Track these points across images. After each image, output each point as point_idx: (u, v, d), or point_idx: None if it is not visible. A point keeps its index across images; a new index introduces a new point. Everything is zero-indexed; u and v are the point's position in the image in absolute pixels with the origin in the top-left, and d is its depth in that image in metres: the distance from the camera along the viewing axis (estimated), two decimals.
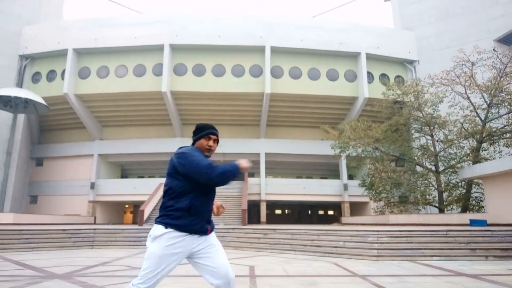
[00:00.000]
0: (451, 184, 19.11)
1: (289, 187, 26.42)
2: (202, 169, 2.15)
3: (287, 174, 32.41)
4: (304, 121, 27.92)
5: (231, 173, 2.14)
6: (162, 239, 2.16)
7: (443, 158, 19.26)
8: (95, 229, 12.97)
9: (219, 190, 25.02)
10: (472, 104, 18.12)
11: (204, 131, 2.41)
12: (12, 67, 26.43)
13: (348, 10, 78.19)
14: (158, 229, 2.20)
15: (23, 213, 23.89)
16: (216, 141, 2.45)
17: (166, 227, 2.18)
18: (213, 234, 2.37)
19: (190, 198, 2.21)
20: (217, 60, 25.65)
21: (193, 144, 2.46)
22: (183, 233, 2.18)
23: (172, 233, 2.17)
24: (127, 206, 33.92)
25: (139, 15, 30.80)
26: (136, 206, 32.51)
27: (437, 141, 19.48)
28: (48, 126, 28.73)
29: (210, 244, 2.28)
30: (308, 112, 27.11)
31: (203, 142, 2.40)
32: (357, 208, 27.82)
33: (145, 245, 9.48)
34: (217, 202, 2.47)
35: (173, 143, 27.08)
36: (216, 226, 15.00)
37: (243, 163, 2.20)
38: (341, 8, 67.87)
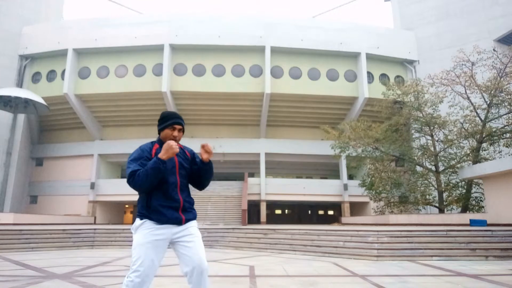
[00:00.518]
0: (451, 184, 19.09)
1: (289, 187, 26.42)
2: (127, 178, 2.26)
3: (287, 174, 32.40)
4: (304, 121, 27.92)
5: (150, 173, 2.19)
6: (142, 228, 2.28)
7: (443, 158, 19.24)
8: (95, 229, 12.97)
9: (218, 190, 25.10)
10: (472, 104, 18.10)
11: (168, 121, 2.39)
12: (12, 67, 26.43)
13: (348, 10, 78.22)
14: (137, 221, 2.34)
15: (23, 213, 23.87)
16: (182, 130, 2.44)
17: (141, 219, 2.31)
18: (193, 223, 2.41)
19: (143, 198, 2.33)
20: (217, 60, 25.65)
21: (158, 134, 2.47)
22: (157, 223, 2.28)
23: (149, 222, 2.28)
24: (127, 206, 33.91)
25: (139, 15, 30.81)
26: (136, 206, 32.49)
27: (437, 141, 19.47)
28: (48, 126, 28.73)
29: (189, 233, 2.33)
30: (308, 112, 27.10)
31: (167, 132, 2.40)
32: (357, 208, 27.82)
33: None
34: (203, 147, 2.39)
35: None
36: (216, 226, 14.99)
37: (162, 153, 2.22)
38: (341, 8, 67.85)
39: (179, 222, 2.31)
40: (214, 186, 25.74)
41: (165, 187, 2.30)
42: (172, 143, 2.22)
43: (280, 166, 30.55)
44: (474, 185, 18.32)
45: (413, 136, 21.13)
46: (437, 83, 18.92)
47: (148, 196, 2.30)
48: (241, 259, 8.54)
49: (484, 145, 18.26)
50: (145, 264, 2.17)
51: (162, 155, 2.21)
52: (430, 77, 19.27)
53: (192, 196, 2.49)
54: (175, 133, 2.40)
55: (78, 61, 25.97)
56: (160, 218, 2.27)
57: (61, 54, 25.75)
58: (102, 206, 27.36)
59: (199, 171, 2.45)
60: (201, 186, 2.53)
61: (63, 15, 34.49)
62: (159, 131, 2.45)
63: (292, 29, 26.07)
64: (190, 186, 2.53)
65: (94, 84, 25.52)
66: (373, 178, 20.59)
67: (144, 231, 2.25)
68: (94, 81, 25.57)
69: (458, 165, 18.37)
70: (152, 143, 2.45)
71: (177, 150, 2.24)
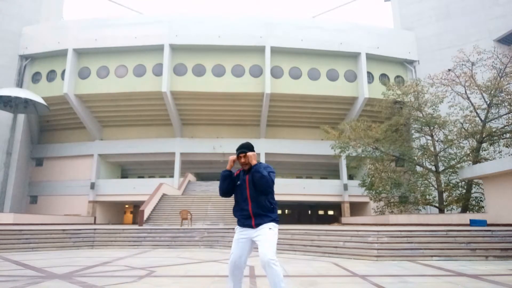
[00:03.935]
0: (451, 184, 19.08)
1: (289, 187, 26.40)
2: None
3: (287, 174, 32.40)
4: (304, 121, 27.92)
5: (220, 179, 3.21)
6: (236, 229, 3.28)
7: (443, 158, 19.23)
8: (95, 229, 12.96)
9: (217, 191, 25.05)
10: (472, 104, 18.09)
11: (236, 153, 3.24)
12: (12, 67, 26.43)
13: (348, 10, 78.21)
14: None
15: (23, 213, 23.89)
16: (244, 156, 3.18)
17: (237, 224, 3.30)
18: (264, 226, 3.11)
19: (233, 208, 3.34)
20: (217, 60, 25.65)
21: None
22: (238, 226, 3.25)
23: (237, 226, 3.28)
24: (127, 206, 33.91)
25: (139, 15, 30.82)
26: (136, 206, 32.52)
27: (437, 141, 19.46)
28: (48, 126, 28.73)
29: (259, 234, 3.10)
30: (308, 112, 27.10)
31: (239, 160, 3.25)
32: (357, 208, 27.82)
33: (145, 245, 9.57)
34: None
35: (173, 143, 27.09)
36: (216, 226, 15.01)
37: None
38: (341, 8, 67.85)
39: (248, 225, 3.14)
40: (214, 186, 25.74)
41: (238, 201, 3.21)
42: (230, 157, 3.19)
43: (280, 166, 30.55)
44: (474, 185, 18.30)
45: (413, 136, 21.12)
46: (437, 83, 18.91)
47: (233, 208, 3.28)
48: None
49: (484, 145, 18.24)
50: (232, 255, 3.12)
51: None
52: (430, 77, 19.27)
53: (268, 201, 3.15)
54: (242, 160, 3.20)
55: (78, 61, 25.97)
56: (239, 223, 3.22)
57: (61, 54, 25.76)
58: (102, 206, 27.36)
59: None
60: (259, 192, 3.10)
61: (63, 15, 34.50)
62: None
63: (292, 29, 26.08)
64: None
65: (94, 84, 25.52)
66: (373, 178, 20.58)
67: (236, 231, 3.24)
68: (94, 81, 25.57)
69: (458, 165, 18.35)
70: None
71: (232, 158, 3.18)
